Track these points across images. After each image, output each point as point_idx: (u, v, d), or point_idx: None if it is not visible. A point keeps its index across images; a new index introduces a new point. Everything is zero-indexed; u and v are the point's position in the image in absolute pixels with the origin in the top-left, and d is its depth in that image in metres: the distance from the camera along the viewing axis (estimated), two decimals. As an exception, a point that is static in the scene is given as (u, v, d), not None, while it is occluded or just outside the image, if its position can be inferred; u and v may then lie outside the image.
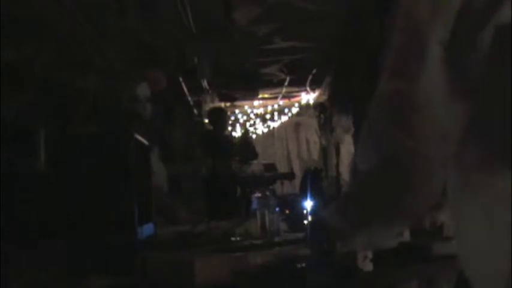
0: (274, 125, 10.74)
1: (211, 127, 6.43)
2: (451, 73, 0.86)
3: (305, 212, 2.24)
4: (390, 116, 0.93)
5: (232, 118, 9.73)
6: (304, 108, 9.42)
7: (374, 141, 0.97)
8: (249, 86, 7.62)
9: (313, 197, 2.27)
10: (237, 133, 10.04)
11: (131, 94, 3.86)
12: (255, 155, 7.02)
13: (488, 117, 0.86)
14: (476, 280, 0.93)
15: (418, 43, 0.88)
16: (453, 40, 0.86)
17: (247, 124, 10.32)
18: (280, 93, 8.67)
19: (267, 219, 2.25)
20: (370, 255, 1.58)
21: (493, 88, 0.85)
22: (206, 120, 7.30)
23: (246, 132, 9.01)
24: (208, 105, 7.96)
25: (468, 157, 0.88)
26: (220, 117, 6.23)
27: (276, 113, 10.14)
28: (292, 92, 8.65)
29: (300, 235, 2.08)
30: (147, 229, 2.07)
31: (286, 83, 7.73)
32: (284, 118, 10.32)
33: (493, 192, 0.85)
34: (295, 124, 10.82)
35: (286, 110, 10.00)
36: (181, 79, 6.25)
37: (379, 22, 1.03)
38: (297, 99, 9.25)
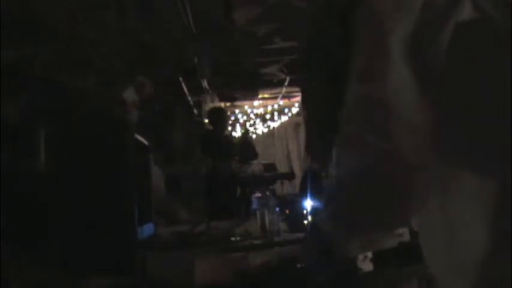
0: (274, 125, 10.75)
1: (211, 127, 6.42)
2: (417, 70, 0.84)
3: (305, 212, 2.24)
4: (363, 121, 0.91)
5: (232, 118, 9.74)
6: (304, 108, 9.41)
7: (351, 148, 0.95)
8: (249, 86, 7.63)
9: (313, 197, 2.27)
10: (237, 133, 10.04)
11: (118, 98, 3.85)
12: (255, 155, 7.02)
13: (455, 115, 0.84)
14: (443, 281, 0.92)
15: (383, 43, 0.86)
16: (416, 38, 0.84)
17: (247, 124, 10.32)
18: (280, 93, 8.68)
19: (267, 219, 2.25)
20: (370, 255, 1.58)
21: (453, 86, 0.83)
22: (206, 120, 7.30)
23: (246, 132, 9.00)
24: (208, 105, 7.96)
25: (441, 154, 0.86)
26: (220, 117, 6.23)
27: (276, 113, 10.15)
28: (292, 92, 8.66)
29: (300, 235, 2.08)
30: (147, 229, 2.07)
31: (286, 83, 7.73)
32: (284, 118, 10.33)
33: (467, 189, 0.83)
34: (295, 124, 10.82)
35: (286, 110, 10.00)
36: (181, 79, 6.26)
37: (342, 29, 1.01)
38: (297, 99, 9.25)
